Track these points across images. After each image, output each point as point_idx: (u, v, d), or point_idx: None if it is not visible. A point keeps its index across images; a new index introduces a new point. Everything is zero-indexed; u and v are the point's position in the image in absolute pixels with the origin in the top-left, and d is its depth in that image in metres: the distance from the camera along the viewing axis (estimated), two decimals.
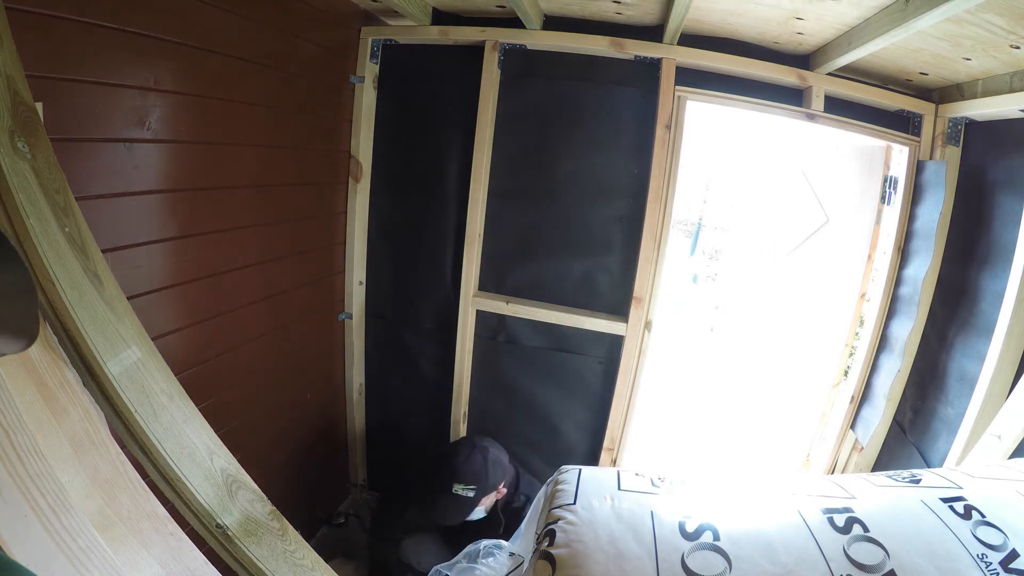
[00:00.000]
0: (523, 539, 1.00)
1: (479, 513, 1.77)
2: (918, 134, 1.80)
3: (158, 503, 0.99)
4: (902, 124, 1.84)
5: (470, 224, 2.06)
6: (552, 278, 2.10)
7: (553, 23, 1.94)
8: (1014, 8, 1.10)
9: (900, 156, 1.86)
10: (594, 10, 1.82)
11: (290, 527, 1.20)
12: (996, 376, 1.33)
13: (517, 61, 1.99)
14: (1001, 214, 1.48)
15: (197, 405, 1.11)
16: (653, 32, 1.87)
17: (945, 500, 0.79)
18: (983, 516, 0.75)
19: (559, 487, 0.91)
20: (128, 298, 1.03)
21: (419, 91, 2.10)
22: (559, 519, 0.82)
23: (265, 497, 1.19)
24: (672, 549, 0.74)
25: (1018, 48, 1.26)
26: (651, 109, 1.89)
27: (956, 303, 1.62)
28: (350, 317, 2.24)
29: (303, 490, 2.13)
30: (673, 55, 1.85)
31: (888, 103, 1.82)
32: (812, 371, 2.37)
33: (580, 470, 0.95)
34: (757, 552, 0.73)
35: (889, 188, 1.96)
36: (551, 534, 0.80)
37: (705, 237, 5.96)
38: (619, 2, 1.69)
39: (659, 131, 1.87)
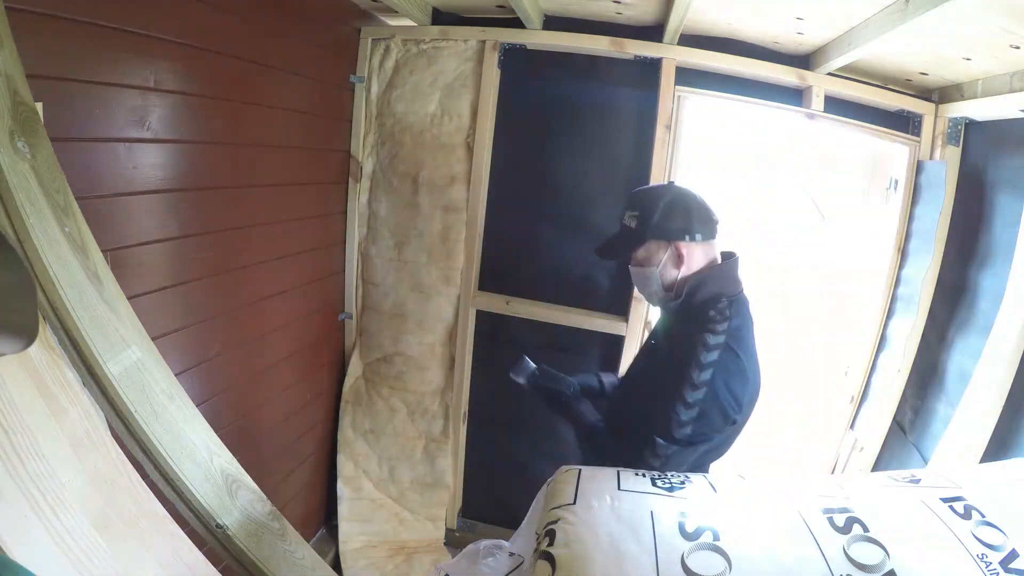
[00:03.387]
0: (523, 539, 1.00)
1: (650, 277, 1.20)
2: (918, 134, 1.79)
3: (158, 503, 0.99)
4: (902, 124, 1.84)
5: (470, 224, 2.06)
6: (552, 277, 2.09)
7: (553, 23, 1.94)
8: (1014, 8, 1.09)
9: (900, 156, 1.85)
10: (594, 10, 1.82)
11: (290, 527, 1.20)
12: (996, 376, 1.33)
13: (517, 61, 1.99)
14: (1001, 214, 1.48)
15: (197, 405, 1.11)
16: (653, 32, 1.86)
17: (945, 500, 0.79)
18: (983, 516, 0.74)
19: (559, 487, 0.91)
20: (128, 298, 1.03)
21: None
22: (559, 519, 0.82)
23: (265, 497, 1.19)
24: (672, 549, 0.74)
25: (1018, 48, 1.26)
26: (651, 109, 1.89)
27: (956, 303, 1.61)
28: (350, 317, 2.23)
29: (303, 490, 2.13)
30: (673, 55, 1.85)
31: (888, 103, 1.82)
32: (811, 371, 2.37)
33: (580, 470, 0.95)
34: (757, 552, 0.73)
35: (889, 188, 1.96)
36: (551, 534, 0.79)
37: None
38: (619, 2, 1.69)
39: (659, 131, 1.87)
